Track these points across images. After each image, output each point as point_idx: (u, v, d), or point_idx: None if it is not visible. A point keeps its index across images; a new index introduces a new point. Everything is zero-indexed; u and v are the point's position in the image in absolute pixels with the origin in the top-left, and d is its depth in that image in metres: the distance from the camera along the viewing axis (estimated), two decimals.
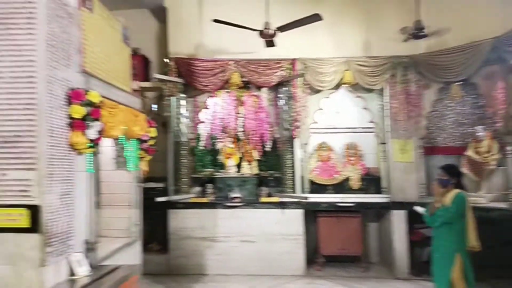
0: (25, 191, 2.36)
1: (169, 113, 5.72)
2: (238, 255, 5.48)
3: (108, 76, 3.23)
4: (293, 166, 5.69)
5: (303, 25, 4.57)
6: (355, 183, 5.75)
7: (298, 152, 5.72)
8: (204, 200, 5.67)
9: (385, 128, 5.72)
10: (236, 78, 5.69)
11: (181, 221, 5.56)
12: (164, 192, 5.64)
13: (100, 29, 3.13)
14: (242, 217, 5.53)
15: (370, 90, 5.79)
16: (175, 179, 5.71)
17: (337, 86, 5.79)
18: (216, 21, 4.71)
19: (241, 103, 5.92)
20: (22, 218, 2.36)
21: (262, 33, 4.79)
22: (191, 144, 5.93)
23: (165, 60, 5.81)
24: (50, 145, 2.42)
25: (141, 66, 5.73)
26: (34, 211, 2.35)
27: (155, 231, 5.67)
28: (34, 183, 2.35)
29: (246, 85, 5.88)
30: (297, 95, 5.68)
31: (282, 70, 5.70)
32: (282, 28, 4.72)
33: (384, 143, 5.77)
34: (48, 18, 2.40)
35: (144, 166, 4.10)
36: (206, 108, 5.97)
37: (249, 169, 5.91)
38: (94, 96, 2.73)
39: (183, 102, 5.83)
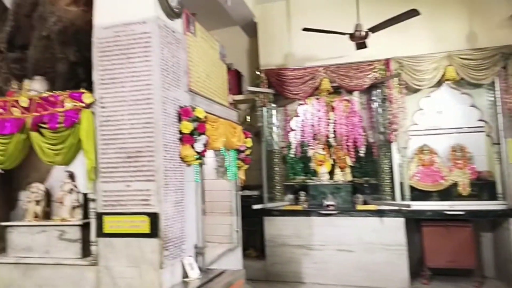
0: (146, 200, 2.65)
1: (262, 123, 5.90)
2: (335, 264, 5.37)
3: (209, 92, 3.48)
4: (391, 171, 5.40)
5: (398, 22, 4.34)
6: (464, 188, 5.23)
7: (396, 157, 5.41)
8: (298, 207, 5.69)
9: (499, 126, 5.11)
10: (326, 84, 5.64)
11: (277, 228, 5.66)
12: (259, 199, 5.81)
13: (202, 50, 3.39)
14: (338, 225, 5.41)
15: (477, 86, 5.24)
16: (269, 187, 5.85)
17: (438, 84, 5.36)
18: (306, 29, 4.74)
19: (331, 108, 5.84)
20: (143, 225, 2.65)
21: (353, 36, 4.68)
22: (283, 152, 6.02)
23: (256, 72, 6.02)
24: (165, 158, 2.69)
25: (234, 80, 6.02)
26: (153, 218, 2.62)
27: (252, 237, 5.86)
28: (153, 193, 2.63)
29: (336, 90, 5.79)
30: (392, 96, 5.40)
31: (374, 71, 5.48)
32: (374, 29, 4.56)
33: (497, 144, 5.15)
34: (160, 46, 2.69)
35: (241, 175, 4.30)
36: (297, 116, 6.02)
37: (342, 176, 5.78)
38: (200, 112, 2.97)
39: (274, 112, 5.97)
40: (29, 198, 3.13)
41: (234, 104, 4.92)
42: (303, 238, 5.53)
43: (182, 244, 2.85)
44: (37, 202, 3.12)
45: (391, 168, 5.41)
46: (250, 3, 5.80)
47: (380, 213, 5.25)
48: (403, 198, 5.35)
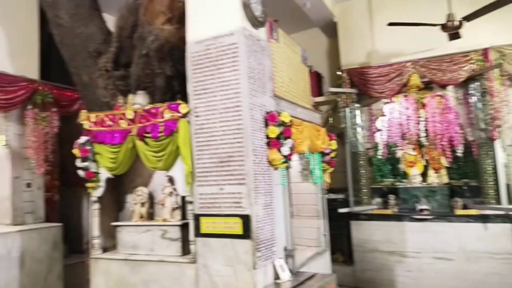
0: (238, 202, 2.77)
1: (345, 124, 5.77)
2: (432, 273, 4.99)
3: (292, 96, 3.52)
4: (494, 172, 4.86)
5: (499, 7, 3.91)
6: None
7: (500, 156, 4.86)
8: (388, 212, 5.42)
9: None
10: (415, 80, 5.30)
11: (365, 233, 5.46)
12: (344, 203, 5.67)
13: (285, 55, 3.45)
14: (435, 231, 5.03)
15: None
16: (355, 190, 5.67)
17: None
18: (391, 24, 4.53)
19: (422, 105, 5.46)
20: (236, 226, 2.77)
21: (445, 27, 4.34)
22: (368, 154, 5.80)
23: (338, 73, 5.92)
24: (255, 162, 2.79)
25: (314, 82, 5.99)
26: (245, 220, 2.73)
27: (338, 241, 5.73)
28: (245, 195, 2.74)
29: (427, 86, 5.41)
30: (494, 89, 4.87)
31: (471, 63, 5.00)
32: (469, 17, 4.17)
33: None
34: (247, 55, 2.80)
35: (327, 178, 4.25)
36: (383, 115, 5.75)
37: (437, 178, 5.35)
38: (285, 117, 3.02)
39: (358, 112, 5.79)
40: (135, 201, 3.48)
41: (315, 106, 4.90)
42: (395, 244, 5.25)
43: (272, 246, 2.92)
44: (142, 204, 3.45)
45: (494, 168, 4.87)
46: (329, 3, 5.73)
47: (483, 219, 4.76)
48: (510, 202, 4.77)
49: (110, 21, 3.97)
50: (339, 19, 6.02)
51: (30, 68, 4.73)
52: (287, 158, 3.07)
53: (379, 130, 5.76)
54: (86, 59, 3.73)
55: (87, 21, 3.75)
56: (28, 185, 4.70)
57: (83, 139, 3.38)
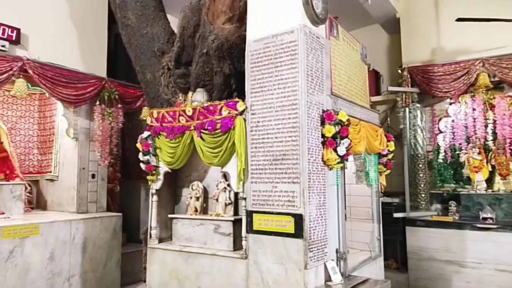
0: (291, 201, 2.76)
1: (404, 125, 5.51)
2: (493, 285, 4.63)
3: (350, 95, 3.43)
4: None
5: None
6: None
7: None
8: (448, 219, 5.11)
9: None
10: (484, 79, 4.93)
11: (422, 240, 5.18)
12: (400, 207, 5.43)
13: (344, 53, 3.37)
14: (498, 241, 4.65)
15: None
16: (412, 195, 5.40)
17: None
18: (459, 20, 4.26)
19: (490, 107, 5.08)
20: (289, 225, 2.76)
21: None
22: (429, 157, 5.50)
23: (398, 71, 5.67)
24: (309, 162, 2.75)
25: (372, 81, 5.80)
26: (298, 219, 2.71)
27: (391, 247, 5.51)
28: (298, 194, 2.72)
29: (497, 86, 5.01)
30: None
31: None
32: None
33: None
34: (306, 52, 2.77)
35: (382, 181, 4.10)
36: (447, 116, 5.43)
37: (504, 185, 4.95)
38: (342, 116, 2.95)
39: (418, 112, 5.51)
40: (190, 195, 3.60)
41: (372, 106, 4.73)
42: (454, 253, 4.94)
43: (324, 247, 2.87)
44: (197, 198, 3.57)
45: None
46: None
47: None
48: None
49: (173, 22, 4.14)
50: (402, 15, 5.77)
51: (98, 67, 5.08)
52: (343, 158, 3.00)
53: (441, 132, 5.46)
54: (150, 58, 3.92)
55: (152, 21, 3.95)
56: (93, 176, 5.05)
57: (145, 134, 3.56)
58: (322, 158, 2.91)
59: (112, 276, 4.79)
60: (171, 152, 3.45)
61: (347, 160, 3.08)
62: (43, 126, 5.41)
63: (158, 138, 3.51)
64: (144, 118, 3.70)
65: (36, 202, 5.34)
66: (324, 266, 2.85)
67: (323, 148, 2.92)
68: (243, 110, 3.01)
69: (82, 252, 4.48)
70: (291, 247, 2.72)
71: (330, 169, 3.00)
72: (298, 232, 2.70)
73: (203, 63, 3.46)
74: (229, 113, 3.05)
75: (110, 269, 4.78)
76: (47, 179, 5.27)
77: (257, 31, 2.98)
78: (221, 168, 3.21)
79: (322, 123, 2.91)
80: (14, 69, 4.06)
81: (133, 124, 5.72)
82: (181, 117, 3.36)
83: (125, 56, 4.47)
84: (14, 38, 4.25)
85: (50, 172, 5.21)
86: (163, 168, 3.57)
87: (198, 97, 3.44)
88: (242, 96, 3.09)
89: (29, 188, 5.08)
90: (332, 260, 2.94)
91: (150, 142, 3.54)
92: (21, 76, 4.18)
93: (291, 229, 2.74)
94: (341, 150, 2.93)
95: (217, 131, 3.08)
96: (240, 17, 3.21)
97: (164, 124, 3.47)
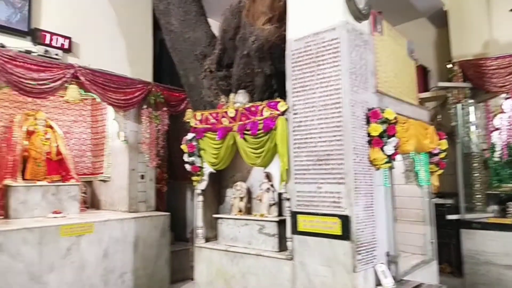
0: (337, 202, 2.69)
1: (456, 122, 5.20)
2: None
3: (397, 92, 3.29)
4: None
5: None
6: None
7: None
8: (506, 221, 4.76)
9: None
10: None
11: (478, 243, 4.86)
12: (453, 209, 5.13)
13: (389, 49, 3.25)
14: None
15: None
16: (467, 196, 5.08)
17: None
18: None
19: None
20: (335, 226, 2.70)
21: None
22: (484, 155, 5.15)
23: (448, 66, 5.37)
24: (355, 161, 2.68)
25: (420, 77, 5.53)
26: (344, 220, 2.64)
27: (445, 251, 5.23)
28: (344, 195, 2.65)
29: None
30: None
31: None
32: None
33: None
34: (349, 49, 2.70)
35: (434, 181, 3.89)
36: (502, 112, 5.06)
37: None
38: (389, 114, 2.84)
39: (471, 109, 5.18)
40: (234, 195, 3.64)
41: (420, 103, 4.51)
42: None
43: (373, 250, 2.77)
44: (241, 198, 3.59)
45: None
46: None
47: None
48: None
49: (214, 25, 4.21)
50: (450, 7, 5.46)
51: (145, 72, 5.29)
52: (391, 158, 2.89)
53: (497, 129, 5.10)
54: (193, 62, 4.02)
55: (194, 26, 4.04)
56: (142, 176, 5.26)
57: (190, 135, 3.65)
58: (369, 158, 2.82)
59: (162, 273, 4.95)
60: (214, 153, 3.50)
61: (394, 159, 2.95)
62: (95, 129, 5.72)
63: (202, 139, 3.58)
64: (188, 120, 3.78)
65: (91, 202, 5.65)
66: (374, 269, 2.76)
67: (370, 147, 2.82)
68: (285, 110, 2.99)
69: (133, 250, 4.66)
70: (338, 249, 2.66)
71: (377, 169, 2.90)
72: (345, 234, 2.63)
73: (244, 64, 3.48)
74: (270, 113, 3.04)
75: (160, 267, 4.93)
76: (100, 180, 5.56)
77: (298, 30, 2.95)
78: (264, 168, 3.21)
79: (368, 122, 2.82)
80: (67, 76, 4.32)
81: (178, 126, 5.88)
82: (223, 119, 3.41)
83: (169, 60, 4.61)
84: (66, 47, 4.52)
85: (102, 173, 5.49)
86: (208, 169, 3.63)
87: (240, 98, 3.46)
88: (283, 96, 3.07)
89: (84, 188, 5.39)
90: (382, 263, 2.84)
91: (194, 143, 3.62)
92: (73, 82, 4.44)
93: (337, 230, 2.68)
94: (389, 149, 2.82)
95: (259, 132, 3.09)
96: (280, 17, 3.19)
97: (207, 126, 3.54)
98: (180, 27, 4.05)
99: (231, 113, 3.35)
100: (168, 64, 5.36)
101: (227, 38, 3.69)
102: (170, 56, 4.32)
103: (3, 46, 3.93)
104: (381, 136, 2.80)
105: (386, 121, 2.82)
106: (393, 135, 2.83)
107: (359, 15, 2.79)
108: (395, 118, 2.89)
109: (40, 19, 4.41)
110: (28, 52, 4.16)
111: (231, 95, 3.60)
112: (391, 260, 2.91)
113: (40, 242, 3.80)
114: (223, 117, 3.43)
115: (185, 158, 3.68)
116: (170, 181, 5.84)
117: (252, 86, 3.55)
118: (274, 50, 3.28)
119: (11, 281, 3.56)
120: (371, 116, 2.80)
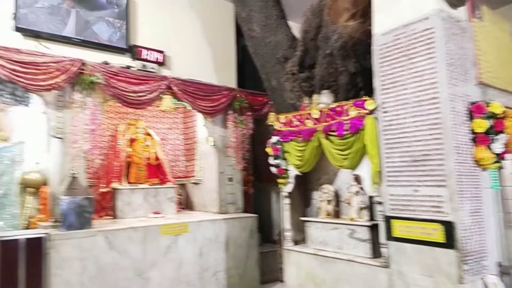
0: (437, 207, 2.47)
1: None
2: None
3: (504, 83, 2.91)
4: None
5: None
6: None
7: None
8: None
9: None
10: None
11: None
12: None
13: (491, 36, 2.89)
14: None
15: None
16: None
17: None
18: None
19: None
20: (436, 233, 2.48)
21: None
22: None
23: None
24: (457, 162, 2.43)
25: None
26: (447, 227, 2.41)
27: None
28: (446, 199, 2.42)
29: None
30: None
31: None
32: None
33: None
34: (445, 39, 2.47)
35: None
36: None
37: None
38: (496, 107, 2.52)
39: None
40: (321, 198, 3.57)
41: None
42: None
43: (482, 259, 2.49)
44: (328, 201, 3.51)
45: None
46: None
47: None
48: None
49: (294, 27, 4.19)
50: None
51: (229, 78, 5.49)
52: (500, 157, 2.56)
53: None
54: (275, 65, 4.05)
55: (275, 30, 4.07)
56: (230, 179, 5.45)
57: (274, 138, 3.68)
58: (474, 158, 2.54)
59: (252, 273, 5.07)
60: (299, 155, 3.48)
61: (504, 158, 2.61)
62: (187, 135, 6.10)
63: (287, 142, 3.58)
64: (271, 124, 3.82)
65: (185, 203, 6.04)
66: (483, 281, 2.47)
67: (474, 145, 2.54)
68: (374, 109, 2.84)
69: (225, 249, 4.85)
70: (441, 258, 2.44)
71: (484, 169, 2.60)
72: (450, 242, 2.40)
73: (327, 64, 3.40)
74: (358, 113, 2.92)
75: (250, 267, 5.06)
76: (192, 183, 5.92)
77: (385, 23, 2.78)
78: (352, 170, 3.09)
79: (471, 117, 2.54)
80: (162, 87, 4.68)
81: (261, 129, 5.99)
82: (307, 120, 3.37)
83: (251, 66, 4.72)
84: (160, 60, 4.91)
85: (194, 176, 5.84)
86: (293, 171, 3.62)
87: (324, 99, 3.39)
88: (370, 95, 2.92)
89: (179, 191, 5.78)
90: (493, 275, 2.53)
91: (279, 146, 3.64)
92: (167, 93, 4.79)
93: (439, 238, 2.46)
94: (497, 147, 2.51)
95: (346, 133, 2.98)
96: (363, 12, 3.05)
97: (291, 128, 3.53)
98: (262, 32, 4.12)
99: (315, 114, 3.29)
100: (250, 70, 5.49)
101: (309, 39, 3.64)
102: (253, 62, 4.42)
103: (107, 63, 4.40)
104: (487, 132, 2.51)
105: (492, 115, 2.52)
106: (502, 131, 2.51)
107: (454, 1, 2.53)
108: (504, 112, 2.56)
109: (136, 36, 4.85)
110: (128, 67, 4.60)
111: (314, 96, 3.54)
112: (504, 271, 2.57)
113: (144, 241, 4.17)
114: (307, 118, 3.39)
115: (271, 161, 3.72)
116: (256, 183, 5.96)
117: (336, 85, 3.45)
118: (358, 46, 3.15)
119: (120, 276, 3.95)
120: (474, 110, 2.52)
